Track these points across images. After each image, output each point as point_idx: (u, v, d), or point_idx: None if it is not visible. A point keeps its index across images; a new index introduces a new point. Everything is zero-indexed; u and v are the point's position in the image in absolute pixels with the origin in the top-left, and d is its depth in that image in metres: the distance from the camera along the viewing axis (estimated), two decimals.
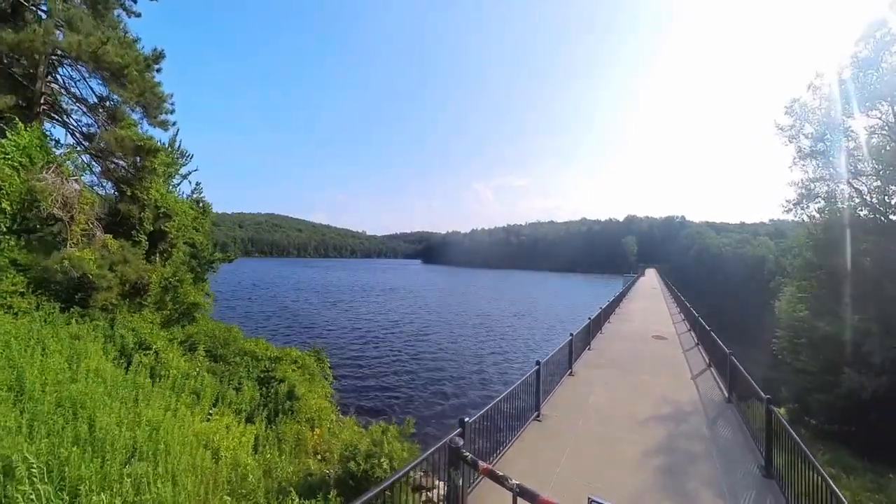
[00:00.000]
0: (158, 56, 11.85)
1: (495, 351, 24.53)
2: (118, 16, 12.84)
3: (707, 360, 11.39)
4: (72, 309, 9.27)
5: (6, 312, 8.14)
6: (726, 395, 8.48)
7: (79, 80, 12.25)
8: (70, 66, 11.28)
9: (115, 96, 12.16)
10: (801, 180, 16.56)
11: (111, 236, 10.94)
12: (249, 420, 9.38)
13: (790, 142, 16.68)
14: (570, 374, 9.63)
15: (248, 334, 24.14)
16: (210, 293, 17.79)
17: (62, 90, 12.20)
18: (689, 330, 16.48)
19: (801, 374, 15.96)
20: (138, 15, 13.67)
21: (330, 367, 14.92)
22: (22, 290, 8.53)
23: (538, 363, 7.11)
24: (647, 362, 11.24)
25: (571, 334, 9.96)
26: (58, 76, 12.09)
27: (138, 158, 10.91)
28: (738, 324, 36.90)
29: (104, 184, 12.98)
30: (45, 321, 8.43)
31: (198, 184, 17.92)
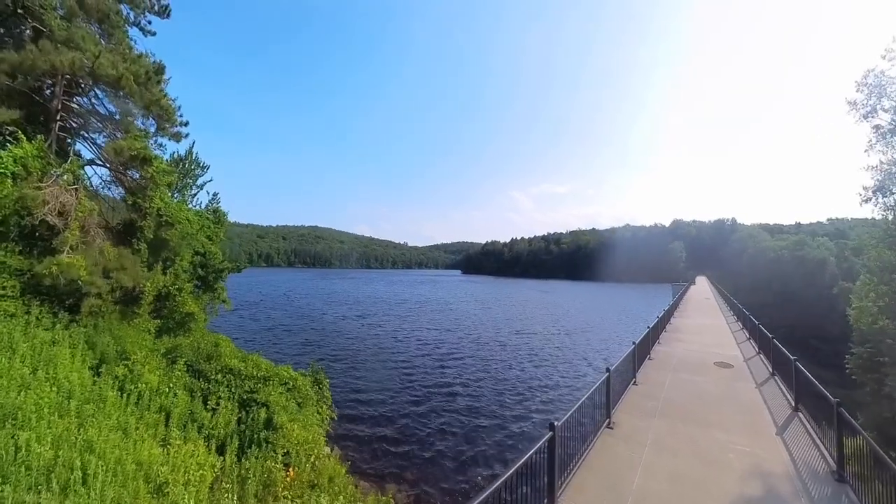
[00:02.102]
0: (159, 69, 12.20)
1: (513, 388, 18.79)
2: (131, 35, 13.44)
3: (792, 401, 8.85)
4: (60, 314, 9.37)
5: None
6: (833, 465, 5.96)
7: (95, 98, 12.90)
8: (79, 82, 11.70)
9: (128, 108, 12.57)
10: (881, 163, 13.79)
11: (110, 243, 11.11)
12: (221, 449, 8.62)
13: (864, 119, 14.07)
14: (609, 427, 7.25)
15: (261, 349, 23.23)
16: (227, 300, 18.07)
17: (77, 105, 12.79)
18: (759, 353, 13.71)
19: (885, 400, 12.94)
20: (153, 34, 14.32)
21: (329, 392, 13.38)
22: (11, 293, 8.66)
23: (551, 427, 4.65)
24: (712, 405, 8.71)
25: (608, 369, 7.56)
26: (80, 97, 12.86)
27: (135, 168, 11.03)
28: (798, 335, 32.02)
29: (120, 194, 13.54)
30: (28, 325, 8.52)
31: (215, 194, 18.50)
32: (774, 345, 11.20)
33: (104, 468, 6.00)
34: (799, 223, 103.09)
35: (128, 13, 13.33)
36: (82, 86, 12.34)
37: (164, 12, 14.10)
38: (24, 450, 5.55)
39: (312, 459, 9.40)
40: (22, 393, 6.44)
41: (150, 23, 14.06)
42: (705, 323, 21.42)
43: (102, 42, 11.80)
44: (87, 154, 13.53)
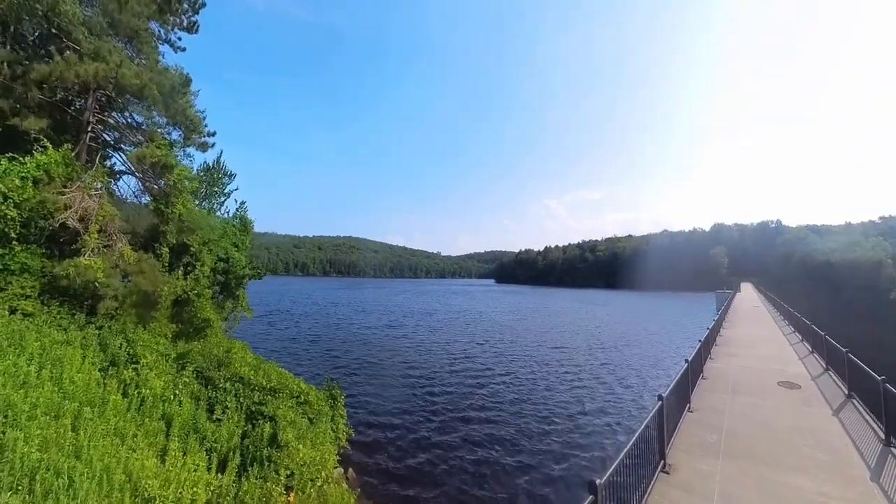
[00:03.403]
0: (185, 81, 12.53)
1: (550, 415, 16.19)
2: (162, 51, 13.98)
3: (882, 434, 7.26)
4: (76, 315, 9.50)
5: (11, 314, 8.50)
6: None
7: (128, 114, 13.46)
8: (112, 97, 12.16)
9: (154, 119, 12.98)
10: None
11: (130, 248, 11.31)
12: (223, 465, 8.16)
13: None
14: (664, 471, 6.05)
15: (282, 358, 22.83)
16: (249, 309, 18.23)
17: (113, 121, 13.35)
18: (827, 370, 11.73)
19: None
20: (183, 49, 14.88)
21: (344, 408, 12.65)
22: (29, 293, 8.85)
23: (592, 489, 3.60)
24: (785, 439, 7.20)
25: (661, 397, 6.26)
26: (116, 112, 13.49)
27: (157, 174, 11.24)
28: (854, 345, 27.89)
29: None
30: (43, 325, 8.65)
31: (242, 202, 18.81)
32: (850, 360, 9.29)
33: (89, 476, 5.71)
34: (849, 223, 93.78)
35: (158, 30, 13.92)
36: (116, 100, 12.95)
37: (192, 28, 14.64)
38: (9, 450, 5.35)
39: (319, 484, 8.73)
40: (19, 391, 6.35)
41: (179, 39, 14.64)
42: (758, 334, 19.12)
43: (132, 57, 12.31)
44: (121, 166, 14.23)
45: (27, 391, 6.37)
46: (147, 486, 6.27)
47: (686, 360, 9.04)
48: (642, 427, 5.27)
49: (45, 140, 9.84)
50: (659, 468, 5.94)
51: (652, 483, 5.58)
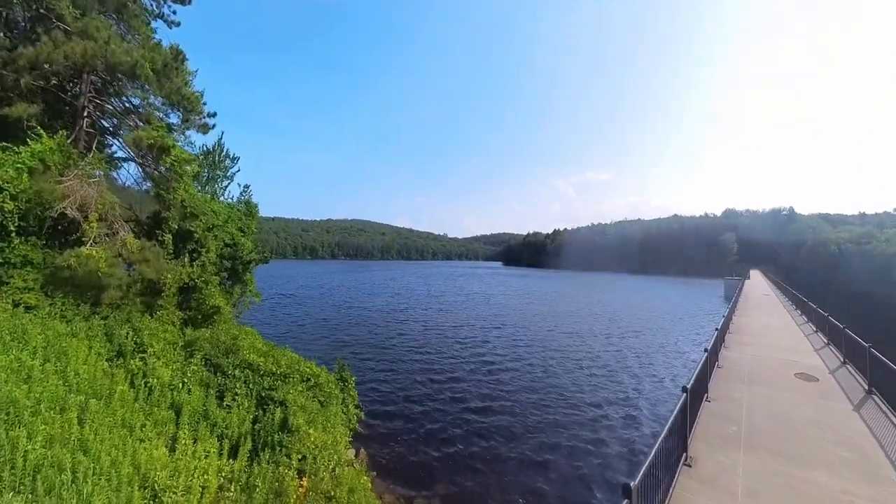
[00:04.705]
0: (177, 55, 11.93)
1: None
2: (156, 27, 13.36)
3: None
4: (81, 306, 9.37)
5: (14, 307, 8.38)
6: None
7: (125, 98, 12.99)
8: (108, 81, 11.68)
9: (150, 101, 12.51)
10: None
11: (133, 236, 11.08)
12: (235, 450, 8.10)
13: None
14: (686, 464, 5.82)
15: (290, 341, 22.62)
16: (257, 293, 18.17)
17: (112, 107, 12.90)
18: (845, 363, 11.40)
19: None
20: (177, 24, 14.23)
21: (355, 390, 12.72)
22: (31, 286, 8.70)
23: (626, 493, 3.43)
24: (806, 434, 7.05)
25: (686, 389, 6.06)
26: (114, 97, 13.02)
27: (154, 157, 10.87)
28: (865, 340, 27.20)
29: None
30: (47, 317, 8.52)
31: (246, 186, 18.53)
32: (872, 355, 8.90)
33: (97, 471, 5.61)
34: (863, 213, 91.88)
35: (151, 4, 13.28)
36: (111, 83, 12.46)
37: None
38: (10, 447, 5.24)
39: (332, 466, 8.68)
40: (22, 386, 6.23)
41: (174, 12, 13.98)
42: (770, 323, 18.85)
43: (122, 35, 11.75)
44: (122, 153, 13.87)
45: (31, 386, 6.23)
46: (156, 477, 6.18)
47: (705, 350, 8.78)
48: (670, 422, 5.04)
49: (39, 128, 9.48)
50: (682, 461, 5.73)
51: (676, 477, 5.36)
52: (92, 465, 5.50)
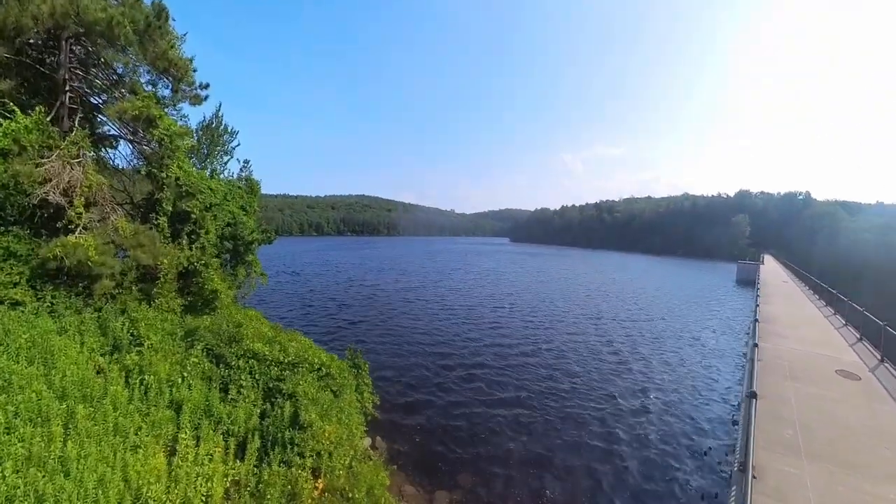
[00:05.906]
0: (160, 12, 10.57)
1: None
2: None
3: None
4: (72, 299, 8.68)
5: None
6: None
7: (108, 69, 11.79)
8: (90, 50, 10.52)
9: (133, 66, 11.36)
10: None
11: (125, 219, 10.26)
12: (242, 448, 7.46)
13: None
14: (753, 476, 5.11)
15: (299, 324, 22.05)
16: (263, 273, 17.48)
17: (100, 81, 11.75)
18: (883, 361, 10.82)
19: None
20: None
21: (369, 377, 12.11)
22: (17, 280, 7.97)
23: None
24: (864, 439, 6.64)
25: (754, 394, 6.07)
26: (98, 70, 11.81)
27: (141, 129, 9.87)
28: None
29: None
30: (33, 314, 7.86)
31: (246, 161, 17.46)
32: None
33: (80, 495, 4.99)
34: (881, 202, 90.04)
35: None
36: (93, 53, 11.22)
37: None
38: None
39: (348, 461, 8.13)
40: None
41: None
42: (796, 313, 18.20)
43: None
44: (114, 132, 12.80)
45: (9, 395, 5.56)
46: (150, 493, 5.59)
47: (755, 344, 8.02)
48: (744, 434, 4.34)
49: (12, 104, 8.46)
50: (751, 473, 5.04)
51: (749, 493, 4.52)
52: (75, 489, 4.88)
